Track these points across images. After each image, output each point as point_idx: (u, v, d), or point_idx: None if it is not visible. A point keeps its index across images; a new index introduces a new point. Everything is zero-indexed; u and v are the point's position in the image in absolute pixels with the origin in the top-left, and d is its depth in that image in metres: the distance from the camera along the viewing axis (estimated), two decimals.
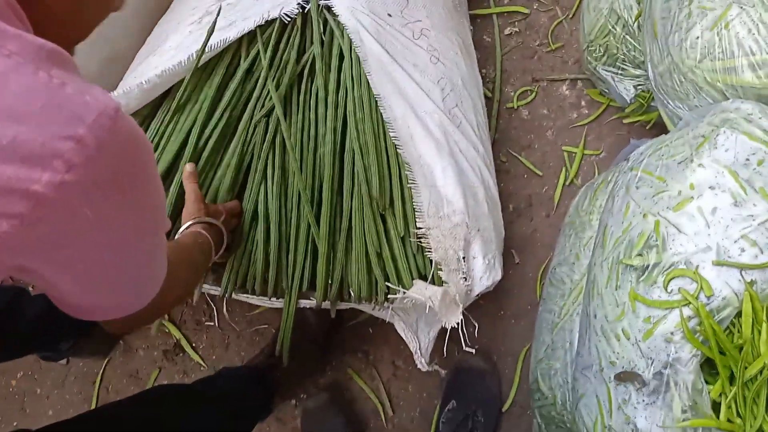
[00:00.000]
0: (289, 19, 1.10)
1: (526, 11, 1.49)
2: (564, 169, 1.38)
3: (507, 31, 1.50)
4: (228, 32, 1.04)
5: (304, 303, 1.05)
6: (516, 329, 1.30)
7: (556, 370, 1.09)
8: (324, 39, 1.08)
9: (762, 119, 0.74)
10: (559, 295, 1.12)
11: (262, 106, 1.06)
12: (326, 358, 1.31)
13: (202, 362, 1.36)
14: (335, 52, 1.07)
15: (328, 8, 1.09)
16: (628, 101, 1.25)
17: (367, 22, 1.05)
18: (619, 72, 1.24)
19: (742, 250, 0.69)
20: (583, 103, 1.43)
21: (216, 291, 1.07)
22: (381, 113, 1.01)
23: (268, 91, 1.05)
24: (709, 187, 0.72)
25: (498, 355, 1.29)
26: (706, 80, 0.84)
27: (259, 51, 1.07)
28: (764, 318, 0.67)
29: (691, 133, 0.78)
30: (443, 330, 1.08)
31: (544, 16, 1.50)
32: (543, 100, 1.44)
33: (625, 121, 1.37)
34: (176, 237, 0.91)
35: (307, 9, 1.10)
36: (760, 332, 0.67)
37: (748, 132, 0.73)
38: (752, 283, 0.68)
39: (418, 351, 1.09)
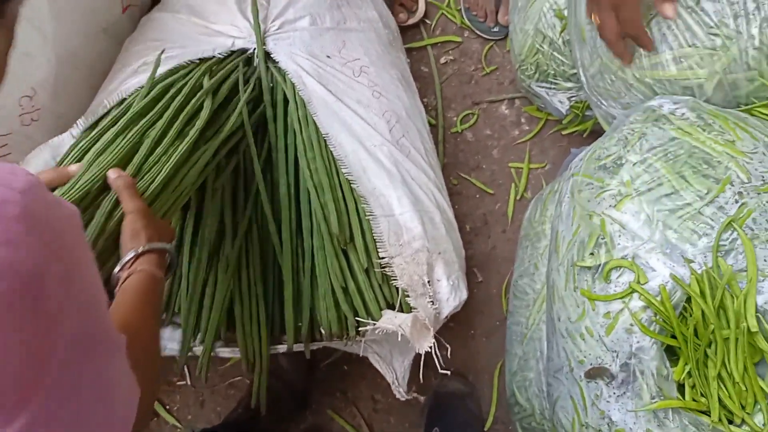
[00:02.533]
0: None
1: (459, 39, 1.56)
2: (513, 185, 1.43)
3: (442, 60, 1.56)
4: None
5: (276, 348, 1.05)
6: (488, 346, 1.32)
7: (530, 380, 1.11)
8: (267, 85, 1.11)
9: (685, 113, 0.79)
10: (524, 306, 1.15)
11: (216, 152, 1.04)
12: (305, 402, 1.30)
13: (177, 424, 1.32)
14: (279, 97, 1.10)
15: (268, 55, 1.13)
16: (564, 113, 1.31)
17: (307, 65, 1.09)
18: (552, 86, 1.30)
19: (683, 237, 0.74)
20: (522, 120, 1.49)
21: (173, 352, 1.05)
22: (331, 151, 1.04)
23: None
24: (645, 182, 0.77)
25: (474, 375, 1.31)
26: (635, 77, 0.90)
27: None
28: (710, 298, 0.71)
29: (622, 133, 0.83)
30: (417, 357, 1.10)
31: (475, 42, 1.57)
32: (485, 122, 1.50)
33: (564, 132, 1.44)
34: (123, 275, 0.70)
35: (250, 50, 1.13)
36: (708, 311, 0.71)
37: (674, 126, 0.78)
38: (695, 266, 0.72)
39: (395, 381, 1.09)
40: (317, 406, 1.31)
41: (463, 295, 1.05)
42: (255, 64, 1.13)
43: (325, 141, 1.05)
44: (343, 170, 1.03)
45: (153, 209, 0.81)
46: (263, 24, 1.14)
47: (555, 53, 1.28)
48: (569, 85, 1.30)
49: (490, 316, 1.34)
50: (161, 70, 1.04)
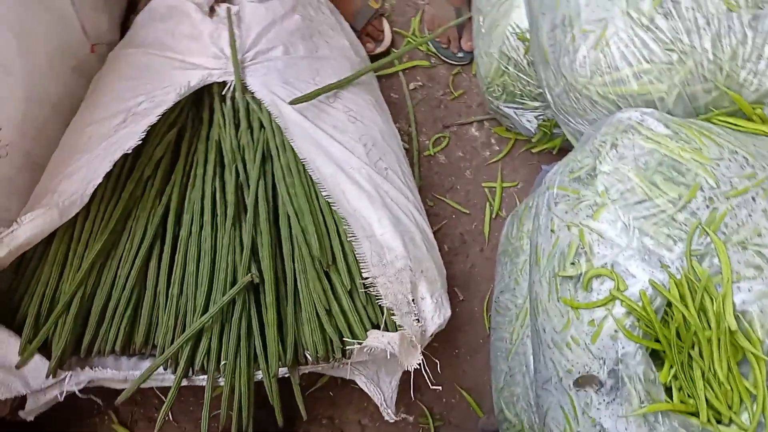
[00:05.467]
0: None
1: (427, 64, 1.60)
2: (488, 204, 1.46)
3: (411, 86, 1.59)
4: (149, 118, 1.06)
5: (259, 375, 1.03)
6: (473, 364, 1.32)
7: (518, 395, 1.11)
8: (245, 114, 1.12)
9: (652, 123, 0.83)
10: (507, 321, 1.16)
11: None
12: (291, 429, 1.28)
13: None
14: (256, 125, 1.11)
15: (243, 85, 1.14)
16: (533, 131, 1.35)
17: (282, 93, 1.10)
18: (520, 106, 1.34)
19: (659, 243, 0.76)
20: (493, 141, 1.53)
21: (169, 382, 1.04)
22: (310, 175, 1.05)
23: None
24: (619, 192, 0.80)
25: (459, 395, 1.31)
26: (599, 94, 0.93)
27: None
28: (691, 301, 0.73)
29: (593, 146, 0.86)
30: (403, 378, 1.10)
31: (442, 68, 1.61)
32: (456, 144, 1.53)
33: (534, 150, 1.47)
34: None
35: (228, 87, 1.14)
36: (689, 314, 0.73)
37: (642, 136, 0.81)
38: (673, 271, 0.75)
39: (384, 402, 1.09)
40: None
41: (447, 312, 1.05)
42: (230, 94, 1.14)
43: (303, 166, 1.06)
44: (323, 193, 1.04)
45: None
46: (238, 55, 1.15)
47: (520, 74, 1.32)
48: (536, 104, 1.34)
49: (473, 334, 1.34)
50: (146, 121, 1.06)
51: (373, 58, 1.57)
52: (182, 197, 1.13)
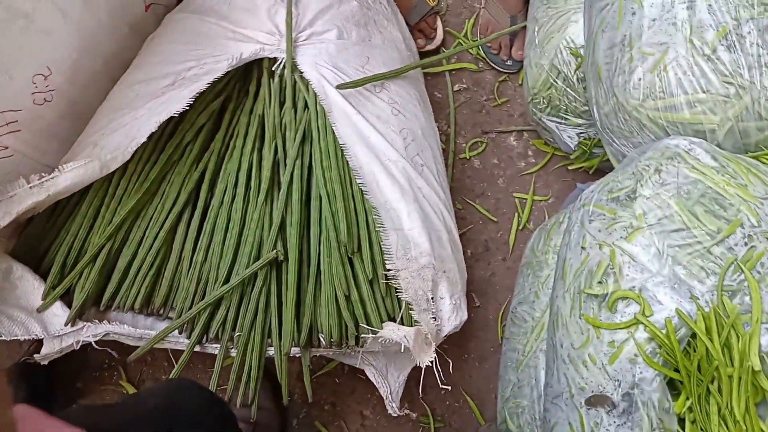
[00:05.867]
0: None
1: (475, 67, 1.59)
2: (516, 215, 1.45)
3: (456, 87, 1.59)
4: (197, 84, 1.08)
5: (271, 351, 1.04)
6: (481, 371, 1.32)
7: (523, 407, 1.11)
8: (291, 92, 1.13)
9: (700, 153, 0.82)
10: (521, 333, 1.16)
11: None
12: (287, 412, 1.29)
13: None
14: (300, 105, 1.12)
15: (294, 64, 1.15)
16: (573, 148, 1.34)
17: (331, 76, 1.11)
18: (563, 122, 1.33)
19: (691, 274, 0.75)
20: (529, 152, 1.52)
21: (182, 346, 1.05)
22: (347, 161, 1.05)
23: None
24: (656, 217, 0.79)
25: (463, 399, 1.30)
26: (649, 118, 0.92)
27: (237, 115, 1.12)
28: (717, 335, 0.72)
29: (636, 168, 0.85)
30: (411, 375, 1.10)
31: (489, 74, 1.60)
32: (493, 151, 1.53)
33: (570, 167, 1.46)
34: None
35: (280, 59, 1.16)
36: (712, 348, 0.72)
37: (688, 165, 0.80)
38: (702, 303, 0.74)
39: (389, 396, 1.09)
40: (305, 417, 1.29)
41: (464, 315, 1.05)
42: (279, 71, 1.15)
43: (342, 151, 1.06)
44: (357, 181, 1.04)
45: None
46: (292, 33, 1.16)
47: (568, 89, 1.31)
48: (580, 121, 1.33)
49: (484, 341, 1.34)
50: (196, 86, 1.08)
51: (423, 54, 1.57)
52: (218, 167, 1.15)
